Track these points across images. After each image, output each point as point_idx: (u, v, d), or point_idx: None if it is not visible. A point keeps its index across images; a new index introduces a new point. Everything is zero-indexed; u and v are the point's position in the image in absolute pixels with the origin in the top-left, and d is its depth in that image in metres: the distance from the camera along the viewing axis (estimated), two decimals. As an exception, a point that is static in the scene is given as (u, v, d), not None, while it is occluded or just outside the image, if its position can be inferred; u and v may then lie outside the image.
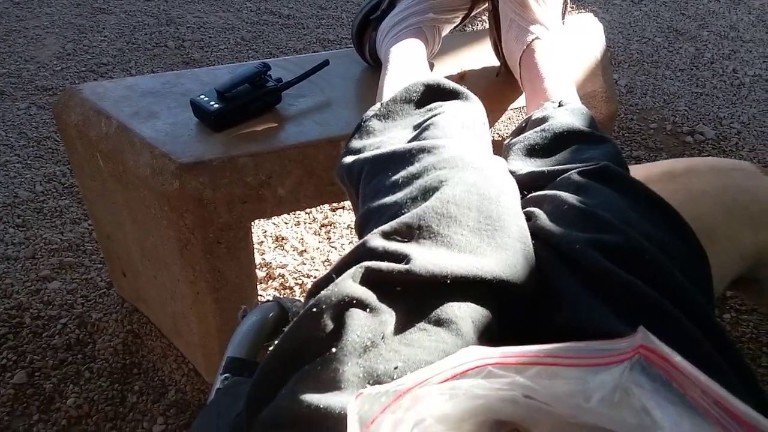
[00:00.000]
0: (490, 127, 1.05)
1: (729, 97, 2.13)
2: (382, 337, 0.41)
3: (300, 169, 0.95)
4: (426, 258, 0.43)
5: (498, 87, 1.09)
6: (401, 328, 0.42)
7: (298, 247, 1.53)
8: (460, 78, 1.12)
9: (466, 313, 0.43)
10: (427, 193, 0.50)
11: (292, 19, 2.24)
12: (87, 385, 1.22)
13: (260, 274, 1.46)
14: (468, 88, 1.13)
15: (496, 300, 0.46)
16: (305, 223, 1.61)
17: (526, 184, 0.62)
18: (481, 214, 0.48)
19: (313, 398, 0.37)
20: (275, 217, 1.62)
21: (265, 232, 1.57)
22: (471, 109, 0.67)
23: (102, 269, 1.43)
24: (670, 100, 2.06)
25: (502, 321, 0.47)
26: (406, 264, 0.43)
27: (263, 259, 1.49)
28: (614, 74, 2.08)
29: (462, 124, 0.63)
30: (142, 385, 1.23)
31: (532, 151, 0.67)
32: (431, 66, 1.17)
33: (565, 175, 0.58)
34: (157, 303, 1.22)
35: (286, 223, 1.60)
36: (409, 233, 0.46)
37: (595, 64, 1.15)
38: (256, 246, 1.53)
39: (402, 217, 0.48)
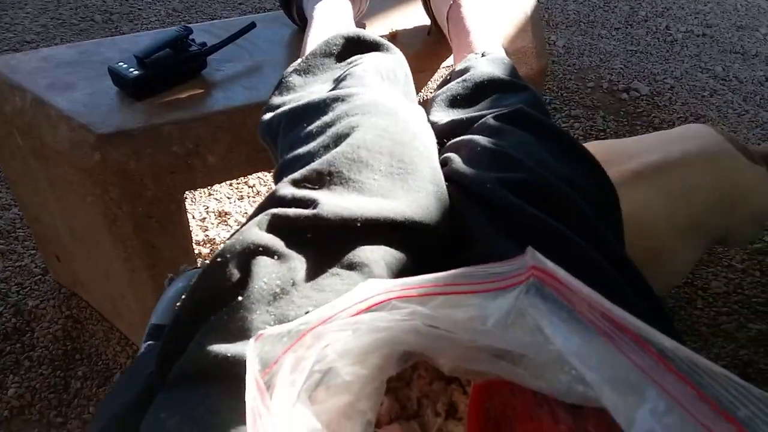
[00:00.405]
0: (423, 86, 1.05)
1: (662, 54, 2.18)
2: (293, 284, 0.40)
3: (229, 136, 0.92)
4: (334, 202, 0.43)
5: (430, 45, 1.08)
6: (313, 273, 0.41)
7: (242, 222, 1.50)
8: (392, 38, 1.10)
9: (378, 256, 0.43)
10: (339, 139, 0.49)
11: (223, -11, 2.17)
12: (27, 374, 1.18)
13: (204, 250, 1.43)
14: (400, 48, 1.12)
15: (410, 242, 0.46)
16: (248, 197, 1.58)
17: (447, 132, 0.62)
18: (393, 158, 0.48)
19: (220, 348, 0.37)
20: (218, 192, 1.58)
21: (207, 207, 1.53)
22: (391, 59, 0.66)
23: (36, 255, 1.37)
24: (606, 59, 2.09)
25: (419, 262, 0.47)
26: (313, 209, 0.42)
27: (206, 235, 1.46)
28: (552, 35, 2.10)
29: (380, 73, 0.62)
30: (85, 370, 1.20)
31: (454, 102, 0.67)
32: (362, 26, 1.15)
33: (482, 120, 0.58)
34: (94, 285, 1.18)
35: (228, 198, 1.57)
36: (320, 180, 0.46)
37: (525, 20, 1.16)
38: (198, 222, 1.49)
39: (312, 164, 0.47)
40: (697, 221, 0.95)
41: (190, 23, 1.98)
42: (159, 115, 0.88)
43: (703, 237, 0.98)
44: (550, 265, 0.29)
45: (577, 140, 0.56)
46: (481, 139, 0.53)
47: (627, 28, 2.30)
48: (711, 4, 2.28)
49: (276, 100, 0.64)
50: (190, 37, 0.97)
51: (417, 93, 1.00)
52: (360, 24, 1.14)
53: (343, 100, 0.54)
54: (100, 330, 1.24)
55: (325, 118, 0.53)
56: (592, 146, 0.99)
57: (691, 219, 0.94)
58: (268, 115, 0.62)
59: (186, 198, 1.41)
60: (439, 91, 0.70)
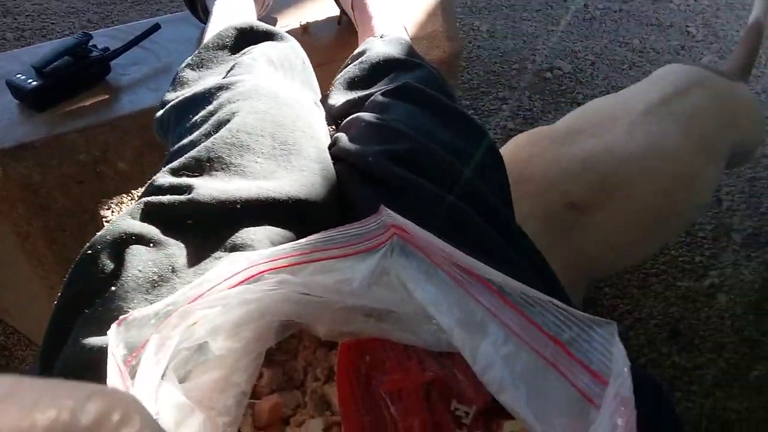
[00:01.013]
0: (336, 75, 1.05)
1: (582, 32, 2.24)
2: (173, 270, 0.39)
3: (138, 140, 0.90)
4: (211, 186, 0.42)
5: (341, 35, 1.08)
6: (196, 259, 0.41)
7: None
8: (303, 30, 1.10)
9: (263, 235, 0.43)
10: (220, 126, 0.49)
11: (142, -4, 2.12)
12: (-45, 409, 1.13)
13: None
14: (312, 40, 1.11)
15: (298, 219, 0.46)
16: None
17: (343, 113, 0.62)
18: (275, 140, 0.48)
19: (96, 341, 0.36)
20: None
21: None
22: (283, 47, 0.66)
23: (-44, 285, 1.31)
24: (529, 41, 2.14)
25: None
26: (189, 194, 0.42)
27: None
28: (476, 21, 2.14)
29: (271, 61, 0.61)
30: (18, 397, 1.15)
31: (353, 83, 0.67)
32: (273, 21, 1.14)
33: (371, 98, 0.59)
34: (18, 309, 1.14)
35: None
36: (200, 167, 0.45)
37: (434, 4, 1.17)
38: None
39: (191, 152, 0.46)
40: (711, 139, 1.02)
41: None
42: (62, 125, 0.85)
43: (721, 154, 1.06)
44: (401, 220, 0.30)
45: (458, 107, 0.57)
46: (366, 116, 0.54)
47: (547, 9, 2.36)
48: (625, -19, 2.36)
49: (168, 96, 0.63)
50: (91, 43, 0.95)
51: (331, 82, 1.00)
52: (270, 19, 1.14)
53: (227, 88, 0.54)
54: (29, 355, 1.20)
55: (209, 108, 0.52)
56: (584, 115, 1.03)
57: (706, 138, 1.02)
58: (160, 112, 0.61)
59: (110, 207, 1.37)
60: (338, 75, 0.71)
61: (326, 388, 0.35)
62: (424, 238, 0.30)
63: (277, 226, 0.44)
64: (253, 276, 0.35)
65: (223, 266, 0.36)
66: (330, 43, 1.06)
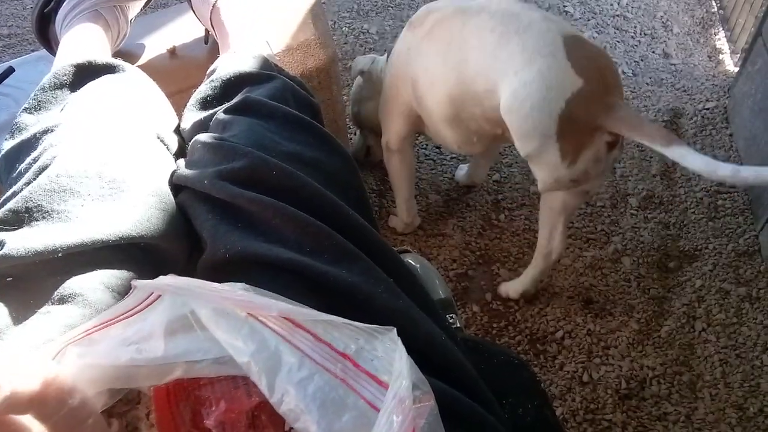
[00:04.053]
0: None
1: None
2: None
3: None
4: (25, 239, 0.40)
5: (210, 55, 1.06)
6: (21, 317, 0.38)
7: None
8: (171, 54, 1.07)
9: (96, 282, 0.41)
10: (41, 172, 0.46)
11: (14, 37, 2.01)
12: None
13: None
14: (181, 62, 1.08)
15: (140, 258, 0.44)
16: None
17: (192, 136, 0.60)
18: (102, 180, 0.46)
19: None
20: None
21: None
22: (121, 79, 0.63)
23: None
24: (422, 37, 2.18)
25: (162, 273, 0.45)
26: (1, 250, 0.39)
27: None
28: (365, 24, 2.15)
29: (106, 96, 0.59)
30: None
31: (205, 103, 0.66)
32: (141, 47, 1.11)
33: (215, 116, 0.57)
34: None
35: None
36: (18, 219, 0.43)
37: (306, 14, 1.16)
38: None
39: (9, 203, 0.43)
40: None
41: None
42: None
43: None
44: (156, 284, 0.29)
45: (303, 117, 0.56)
46: (203, 137, 0.53)
47: (436, 5, 2.41)
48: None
49: (4, 144, 0.59)
50: (-64, 94, 0.88)
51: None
52: (137, 45, 1.10)
53: (52, 131, 0.51)
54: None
55: (34, 154, 0.50)
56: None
57: None
58: None
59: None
60: (191, 97, 0.69)
61: (156, 432, 0.33)
62: (196, 290, 0.29)
63: (114, 267, 0.42)
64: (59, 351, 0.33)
65: (47, 343, 0.34)
66: (198, 63, 1.04)
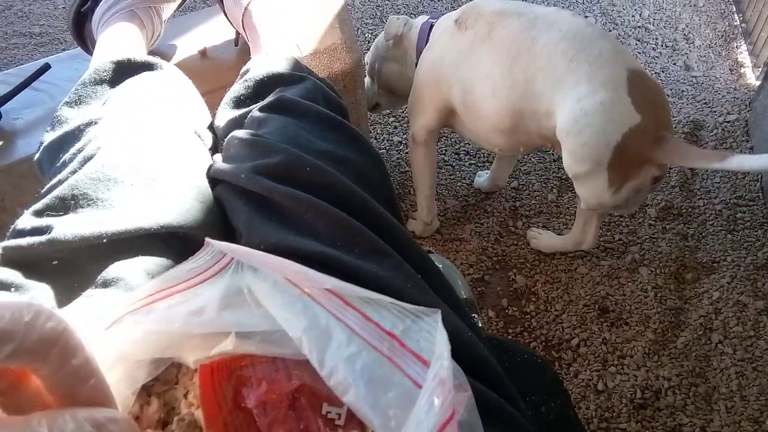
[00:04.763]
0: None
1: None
2: None
3: (37, 184, 0.87)
4: (73, 224, 0.42)
5: (240, 56, 1.08)
6: (65, 299, 0.40)
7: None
8: (202, 55, 1.09)
9: (138, 268, 0.43)
10: (86, 162, 0.48)
11: (45, 36, 2.06)
12: None
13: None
14: (211, 63, 1.11)
15: (177, 246, 0.46)
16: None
17: (227, 132, 0.62)
18: (144, 171, 0.48)
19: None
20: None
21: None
22: (159, 77, 0.66)
23: None
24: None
25: None
26: (48, 234, 0.41)
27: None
28: (378, 30, 2.17)
29: (146, 91, 0.61)
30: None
31: (238, 102, 0.68)
32: (173, 48, 1.14)
33: (249, 114, 0.59)
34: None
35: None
36: (64, 206, 0.45)
37: (333, 18, 1.19)
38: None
39: (55, 190, 0.45)
40: None
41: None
42: (-49, 177, 0.82)
43: None
44: (230, 247, 0.31)
45: (335, 116, 0.58)
46: (240, 133, 0.54)
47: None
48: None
49: (46, 136, 0.62)
50: (-24, 89, 0.92)
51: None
52: (169, 46, 1.13)
53: (95, 123, 0.53)
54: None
55: (78, 144, 0.52)
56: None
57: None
58: (37, 154, 0.60)
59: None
60: (225, 96, 0.71)
61: (198, 412, 0.35)
62: (259, 257, 0.31)
63: (154, 255, 0.44)
64: (117, 320, 0.35)
65: (103, 311, 0.36)
66: (228, 65, 1.06)
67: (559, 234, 1.42)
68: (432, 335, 0.27)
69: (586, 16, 2.06)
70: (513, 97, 1.11)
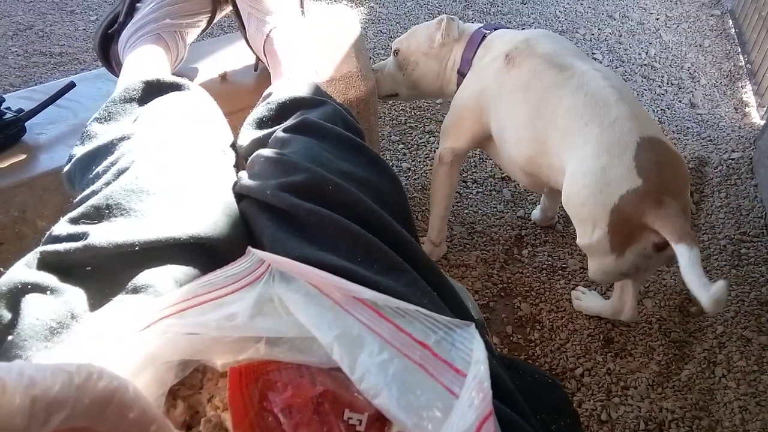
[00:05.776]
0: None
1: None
2: (72, 316, 0.40)
3: (58, 197, 0.90)
4: (107, 232, 0.44)
5: (258, 81, 1.12)
6: (96, 304, 0.42)
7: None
8: (222, 78, 1.13)
9: (166, 276, 0.44)
10: (120, 174, 0.50)
11: (65, 56, 2.11)
12: None
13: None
14: (231, 87, 1.14)
15: (203, 257, 0.48)
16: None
17: (250, 151, 0.65)
18: (175, 185, 0.50)
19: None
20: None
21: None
22: (188, 96, 0.69)
23: None
24: (452, 75, 2.24)
25: None
26: (84, 240, 0.43)
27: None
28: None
29: (176, 110, 0.64)
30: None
31: (261, 123, 0.70)
32: (195, 71, 1.17)
33: (273, 134, 0.62)
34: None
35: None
36: (98, 214, 0.47)
37: (349, 48, 1.23)
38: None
39: (90, 200, 0.48)
40: None
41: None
42: (-24, 188, 0.85)
43: None
44: (270, 256, 0.32)
45: (356, 139, 0.60)
46: (265, 152, 0.57)
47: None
48: (534, 15, 2.51)
49: (76, 150, 0.64)
50: (4, 105, 0.95)
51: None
52: (191, 69, 1.16)
53: (128, 138, 0.56)
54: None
55: (111, 158, 0.54)
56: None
57: None
58: (67, 167, 0.62)
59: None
60: (248, 116, 0.74)
61: (224, 415, 0.36)
62: (297, 268, 0.32)
63: (182, 264, 0.46)
64: (155, 322, 0.37)
65: (136, 314, 0.37)
66: (247, 89, 1.09)
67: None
68: (465, 346, 0.28)
69: (593, 54, 2.10)
70: (532, 150, 1.14)
